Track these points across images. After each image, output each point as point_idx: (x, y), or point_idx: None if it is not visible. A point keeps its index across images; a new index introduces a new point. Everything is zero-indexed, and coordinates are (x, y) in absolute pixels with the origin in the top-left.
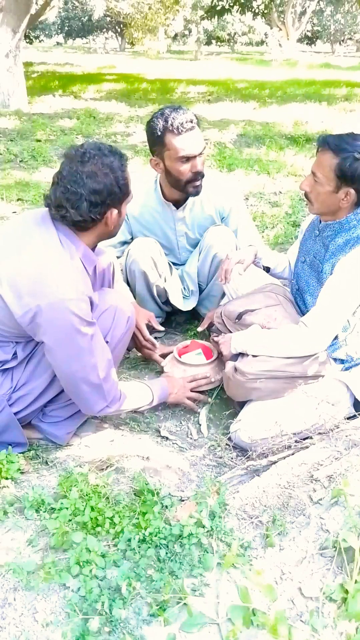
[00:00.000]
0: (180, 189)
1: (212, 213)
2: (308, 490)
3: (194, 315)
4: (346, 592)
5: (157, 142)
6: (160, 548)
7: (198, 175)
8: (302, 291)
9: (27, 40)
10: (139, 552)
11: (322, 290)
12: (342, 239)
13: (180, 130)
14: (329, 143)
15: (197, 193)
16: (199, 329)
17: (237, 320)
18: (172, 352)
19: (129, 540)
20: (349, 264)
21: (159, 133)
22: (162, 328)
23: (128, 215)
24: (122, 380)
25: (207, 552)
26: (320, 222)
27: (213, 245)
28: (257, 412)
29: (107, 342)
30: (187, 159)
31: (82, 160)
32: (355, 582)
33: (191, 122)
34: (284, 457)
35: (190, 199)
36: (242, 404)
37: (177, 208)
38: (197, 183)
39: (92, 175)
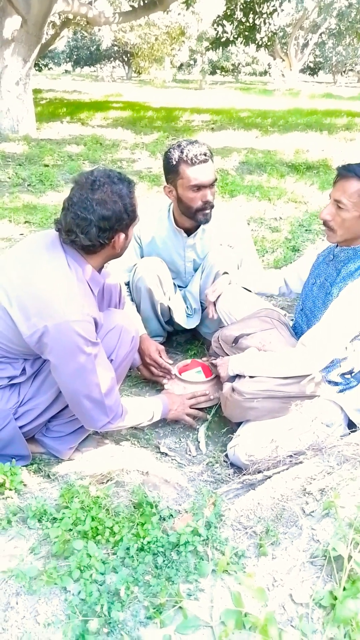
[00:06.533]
0: (191, 216)
1: (222, 243)
2: (301, 502)
3: (195, 335)
4: (335, 598)
5: (171, 170)
6: (158, 555)
7: (207, 204)
8: (306, 311)
9: (37, 68)
10: (137, 559)
11: (326, 312)
12: (355, 265)
13: (194, 162)
14: (354, 171)
15: (206, 221)
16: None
17: (233, 345)
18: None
19: (128, 548)
20: (356, 289)
21: (174, 162)
22: (170, 361)
23: (140, 240)
24: (123, 397)
25: (203, 560)
26: (337, 246)
27: (215, 264)
28: (254, 432)
29: (111, 360)
30: (198, 188)
31: (92, 187)
32: (344, 589)
33: (205, 155)
34: (279, 472)
35: (201, 228)
36: (239, 423)
37: (188, 235)
38: (207, 212)
39: (101, 202)
